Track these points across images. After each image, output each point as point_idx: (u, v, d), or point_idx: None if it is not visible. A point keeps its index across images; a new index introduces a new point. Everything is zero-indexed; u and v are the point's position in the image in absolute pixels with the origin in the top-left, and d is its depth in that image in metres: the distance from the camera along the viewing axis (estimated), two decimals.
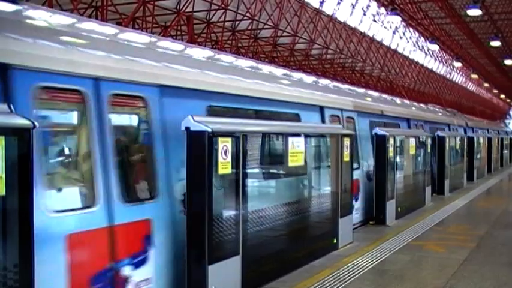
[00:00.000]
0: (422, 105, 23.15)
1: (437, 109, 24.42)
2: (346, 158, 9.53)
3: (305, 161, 8.44)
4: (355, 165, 10.82)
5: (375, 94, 17.48)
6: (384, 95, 18.77)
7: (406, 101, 21.05)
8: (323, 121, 10.45)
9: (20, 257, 3.78)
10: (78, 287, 5.03)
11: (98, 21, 10.48)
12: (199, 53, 8.35)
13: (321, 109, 10.50)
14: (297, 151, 7.97)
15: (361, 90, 16.05)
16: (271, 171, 8.81)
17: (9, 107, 4.01)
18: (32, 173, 3.86)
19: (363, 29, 43.64)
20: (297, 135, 8.09)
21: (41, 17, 5.65)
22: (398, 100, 19.28)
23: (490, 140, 27.07)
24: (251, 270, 6.70)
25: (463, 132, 23.17)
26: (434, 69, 64.29)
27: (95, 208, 5.28)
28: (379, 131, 11.82)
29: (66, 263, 4.88)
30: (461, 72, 73.62)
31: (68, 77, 5.13)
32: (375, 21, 44.51)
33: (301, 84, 10.85)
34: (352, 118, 12.09)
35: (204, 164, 5.88)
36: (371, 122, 13.04)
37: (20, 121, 3.87)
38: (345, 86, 14.87)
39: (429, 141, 15.38)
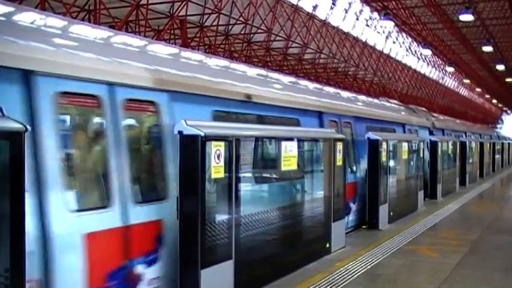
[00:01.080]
0: (363, 97, 16.44)
1: (386, 103, 17.91)
2: (339, 163, 9.55)
3: (298, 165, 8.43)
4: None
5: (235, 67, 9.65)
6: (264, 71, 11.37)
7: (321, 86, 14.12)
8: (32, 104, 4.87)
9: (11, 261, 3.75)
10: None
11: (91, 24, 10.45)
12: None
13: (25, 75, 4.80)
14: (290, 155, 7.98)
15: (188, 54, 8.80)
16: (264, 175, 8.74)
17: (1, 111, 3.98)
18: (24, 176, 3.84)
19: (356, 33, 43.82)
20: (290, 139, 8.09)
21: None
22: (302, 83, 12.59)
23: (482, 144, 27.24)
24: (244, 274, 6.68)
25: (427, 134, 19.07)
26: (427, 74, 64.60)
27: None
28: (372, 135, 11.83)
29: None
30: (453, 77, 74.01)
31: None
32: (368, 26, 44.70)
33: None
34: (153, 103, 6.28)
35: (197, 168, 5.88)
36: (219, 113, 7.36)
37: (12, 125, 3.85)
38: (142, 43, 7.51)
39: (422, 145, 15.42)
